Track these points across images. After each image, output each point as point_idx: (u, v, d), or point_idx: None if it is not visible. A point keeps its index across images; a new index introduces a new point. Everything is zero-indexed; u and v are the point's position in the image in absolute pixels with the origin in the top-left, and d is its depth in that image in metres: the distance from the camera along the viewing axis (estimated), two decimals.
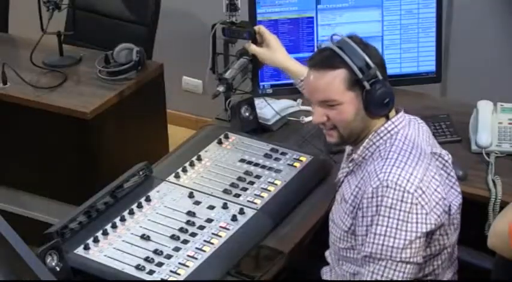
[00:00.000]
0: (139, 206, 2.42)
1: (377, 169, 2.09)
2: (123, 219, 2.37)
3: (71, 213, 2.36)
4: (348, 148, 2.28)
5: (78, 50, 3.49)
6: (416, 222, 2.04)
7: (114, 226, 2.34)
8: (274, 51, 2.61)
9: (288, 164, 2.60)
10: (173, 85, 4.05)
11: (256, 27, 2.67)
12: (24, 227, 2.34)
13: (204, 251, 2.25)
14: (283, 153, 2.65)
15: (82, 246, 2.27)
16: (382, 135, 2.15)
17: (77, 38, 3.52)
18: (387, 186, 2.04)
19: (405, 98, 2.99)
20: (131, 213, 2.39)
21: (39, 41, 3.28)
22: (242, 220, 2.37)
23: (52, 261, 2.15)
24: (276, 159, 2.63)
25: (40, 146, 3.25)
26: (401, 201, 2.03)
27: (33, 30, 3.34)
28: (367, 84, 2.10)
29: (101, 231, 2.32)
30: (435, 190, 2.10)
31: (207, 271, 2.20)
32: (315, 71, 2.14)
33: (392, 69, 2.93)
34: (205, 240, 2.29)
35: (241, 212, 2.39)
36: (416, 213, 2.04)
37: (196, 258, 2.23)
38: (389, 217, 2.03)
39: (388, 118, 2.17)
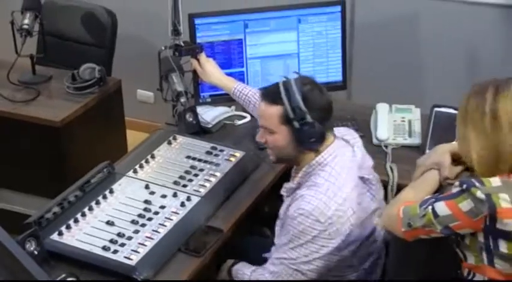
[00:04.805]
0: (104, 197, 2.40)
1: (303, 195, 2.09)
2: (91, 209, 2.35)
3: (46, 205, 2.33)
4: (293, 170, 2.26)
5: (48, 69, 3.42)
6: (322, 246, 2.08)
7: (83, 215, 2.32)
8: (208, 75, 2.72)
9: (225, 159, 2.61)
10: (130, 97, 4.01)
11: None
12: (5, 219, 2.31)
13: (159, 232, 2.26)
14: (221, 150, 2.66)
15: (56, 232, 2.25)
16: (313, 167, 2.14)
17: (48, 59, 3.46)
18: (302, 215, 2.06)
19: None
20: (97, 203, 2.38)
21: (15, 62, 3.21)
22: (189, 206, 2.37)
23: (31, 246, 2.12)
24: (216, 155, 2.64)
25: (18, 151, 3.19)
26: (312, 228, 2.06)
27: (9, 53, 3.28)
28: (296, 124, 2.09)
29: (72, 219, 2.29)
30: (348, 218, 2.09)
31: (162, 249, 2.20)
32: (263, 101, 2.16)
33: None
34: (159, 224, 2.29)
35: (189, 199, 2.40)
36: (323, 238, 2.07)
37: (152, 239, 2.23)
38: (299, 238, 2.08)
39: (318, 151, 2.13)
